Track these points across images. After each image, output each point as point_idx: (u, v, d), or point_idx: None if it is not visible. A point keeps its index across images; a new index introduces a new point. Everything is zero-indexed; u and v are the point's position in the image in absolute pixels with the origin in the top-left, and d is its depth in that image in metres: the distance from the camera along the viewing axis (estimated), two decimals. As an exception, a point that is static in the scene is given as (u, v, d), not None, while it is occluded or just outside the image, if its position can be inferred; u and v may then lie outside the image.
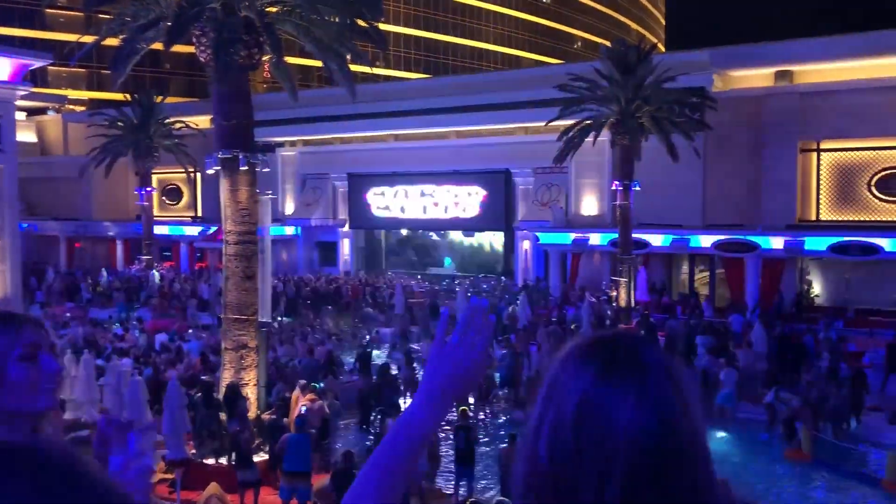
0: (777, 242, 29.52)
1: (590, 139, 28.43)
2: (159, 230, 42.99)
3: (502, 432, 18.23)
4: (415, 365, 21.33)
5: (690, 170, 30.42)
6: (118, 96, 40.95)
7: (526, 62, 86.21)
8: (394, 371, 20.63)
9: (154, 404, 15.71)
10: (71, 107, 60.74)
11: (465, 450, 14.42)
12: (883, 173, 30.22)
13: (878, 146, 30.21)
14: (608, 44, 30.00)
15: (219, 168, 16.31)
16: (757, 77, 32.92)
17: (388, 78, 67.68)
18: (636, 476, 1.07)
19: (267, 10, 16.42)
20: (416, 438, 1.46)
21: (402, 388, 20.10)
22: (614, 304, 29.10)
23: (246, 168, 16.13)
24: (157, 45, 17.19)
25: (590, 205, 36.47)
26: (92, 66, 64.63)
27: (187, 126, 40.75)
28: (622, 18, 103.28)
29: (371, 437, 16.98)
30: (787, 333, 23.77)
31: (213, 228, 38.21)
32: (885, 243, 27.72)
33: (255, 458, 14.01)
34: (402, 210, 42.34)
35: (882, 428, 17.63)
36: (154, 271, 38.72)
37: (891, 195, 30.08)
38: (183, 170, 41.29)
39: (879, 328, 25.53)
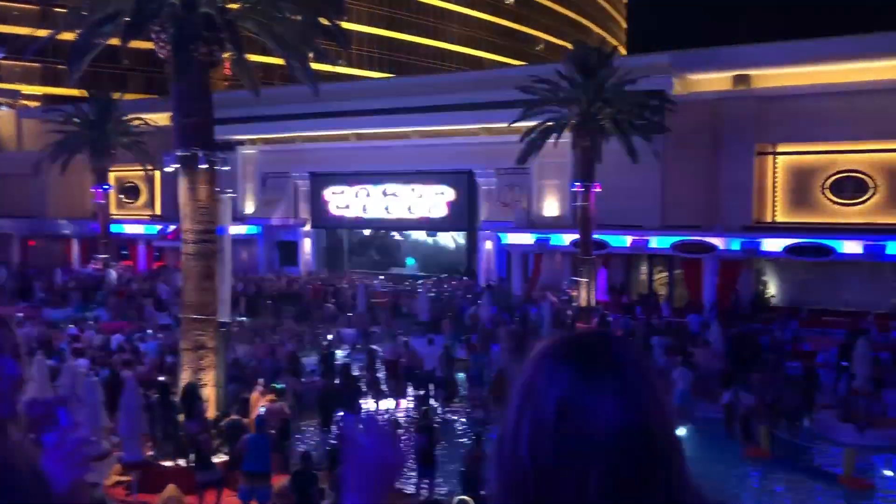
0: (734, 244, 30.05)
1: (552, 141, 28.62)
2: (116, 229, 42.23)
3: (463, 432, 18.28)
4: (377, 366, 21.29)
5: (650, 172, 30.81)
6: (75, 92, 40.22)
7: (488, 63, 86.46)
8: (356, 372, 20.57)
9: (111, 405, 15.44)
10: (25, 102, 59.43)
11: (427, 450, 14.42)
12: (836, 176, 30.93)
13: (832, 150, 30.91)
14: (570, 46, 30.24)
15: (178, 166, 16.08)
16: (715, 81, 33.46)
17: (350, 77, 67.38)
18: (615, 473, 1.08)
19: (228, 6, 16.24)
20: None
21: (364, 389, 20.06)
22: (575, 304, 29.34)
23: (205, 166, 15.93)
24: (115, 41, 16.88)
25: (551, 206, 36.73)
26: (47, 61, 63.16)
27: (146, 123, 40.13)
28: (584, 21, 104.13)
29: (333, 439, 16.89)
30: (744, 333, 24.19)
31: (172, 227, 37.67)
32: (838, 245, 28.38)
33: (215, 459, 13.86)
34: (365, 210, 42.20)
35: (834, 425, 18.05)
36: (111, 270, 38.03)
37: (844, 198, 30.80)
38: (141, 167, 40.63)
39: (832, 328, 26.13)
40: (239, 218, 40.22)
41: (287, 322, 28.89)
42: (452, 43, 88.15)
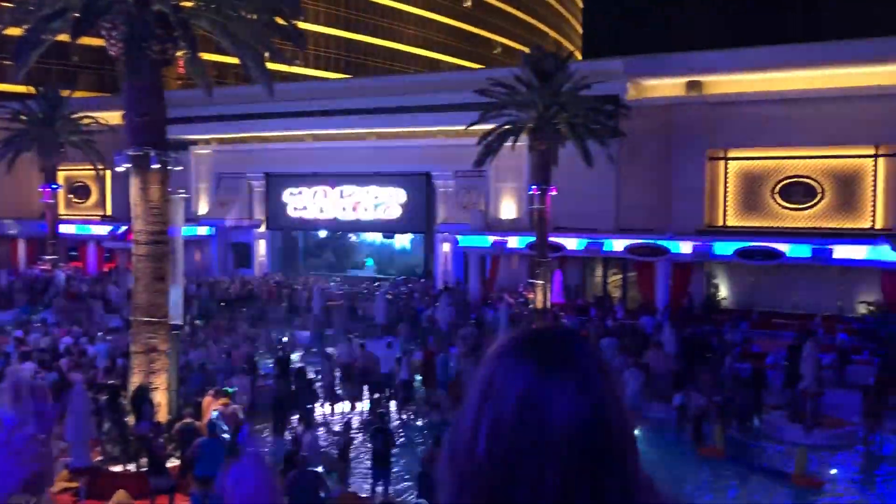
0: (686, 247, 30.55)
1: (509, 144, 28.78)
2: (65, 229, 41.30)
3: (420, 434, 18.26)
4: (333, 370, 21.14)
5: (605, 176, 31.21)
6: (21, 88, 39.17)
7: (446, 66, 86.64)
8: (310, 375, 20.40)
9: (58, 410, 15.05)
10: (-31, 98, 57.68)
11: (382, 452, 14.39)
12: (785, 181, 31.66)
13: (781, 156, 31.63)
14: (527, 50, 30.40)
15: (129, 166, 15.81)
16: (668, 86, 33.99)
17: (307, 77, 66.92)
18: (572, 470, 1.08)
19: (182, 4, 16.00)
20: None
21: (319, 393, 19.91)
22: (531, 306, 29.53)
23: (158, 166, 15.68)
24: (65, 37, 16.51)
25: (508, 208, 36.93)
26: (-7, 57, 61.55)
27: (96, 121, 39.29)
28: (540, 26, 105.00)
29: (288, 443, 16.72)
30: (696, 335, 24.59)
31: (123, 228, 36.96)
32: (787, 248, 29.05)
33: (168, 465, 13.62)
34: (322, 211, 41.94)
35: (782, 425, 18.46)
36: (59, 272, 37.15)
37: (792, 203, 31.54)
38: (91, 167, 39.79)
39: (781, 330, 26.73)
40: (192, 219, 39.66)
41: (241, 325, 28.55)
42: (410, 45, 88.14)
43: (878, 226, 29.99)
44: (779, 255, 29.09)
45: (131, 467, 14.10)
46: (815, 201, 31.21)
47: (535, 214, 29.47)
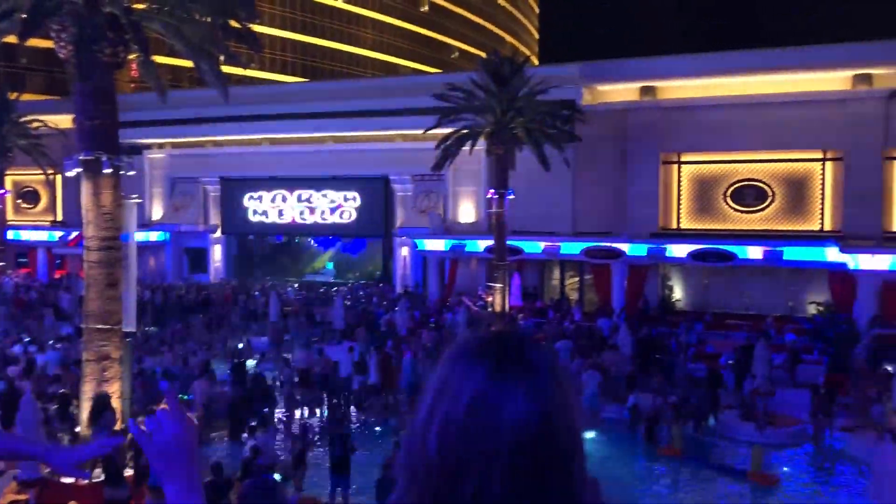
0: (641, 249, 30.97)
1: (466, 148, 28.88)
2: (14, 235, 40.30)
3: (377, 439, 18.20)
4: (291, 375, 20.98)
5: (561, 180, 31.51)
6: (-33, 91, 38.09)
7: (403, 70, 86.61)
8: (268, 381, 20.22)
9: (6, 420, 14.70)
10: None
11: (341, 457, 14.31)
12: (737, 185, 32.28)
13: (732, 159, 32.25)
14: (484, 55, 30.58)
15: (80, 170, 15.50)
16: (623, 91, 34.42)
17: (264, 81, 66.32)
18: (518, 470, 1.10)
19: (133, 6, 15.75)
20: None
21: (277, 398, 19.74)
22: (490, 310, 29.63)
23: (110, 171, 15.40)
24: (12, 38, 16.13)
25: (467, 212, 37.04)
26: (-63, 58, 59.88)
27: (46, 125, 38.41)
28: (497, 31, 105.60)
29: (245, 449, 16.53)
30: (651, 336, 24.93)
31: (74, 234, 36.20)
32: (739, 251, 29.62)
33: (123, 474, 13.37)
34: (280, 215, 41.59)
35: (736, 424, 18.82)
36: (7, 278, 36.23)
37: (744, 206, 32.17)
38: (41, 171, 38.89)
39: (734, 331, 27.24)
40: (146, 224, 39.07)
41: (197, 331, 28.15)
42: (367, 49, 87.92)
43: (827, 228, 30.75)
44: (731, 256, 29.65)
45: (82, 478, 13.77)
46: (765, 204, 31.88)
47: (494, 218, 29.60)
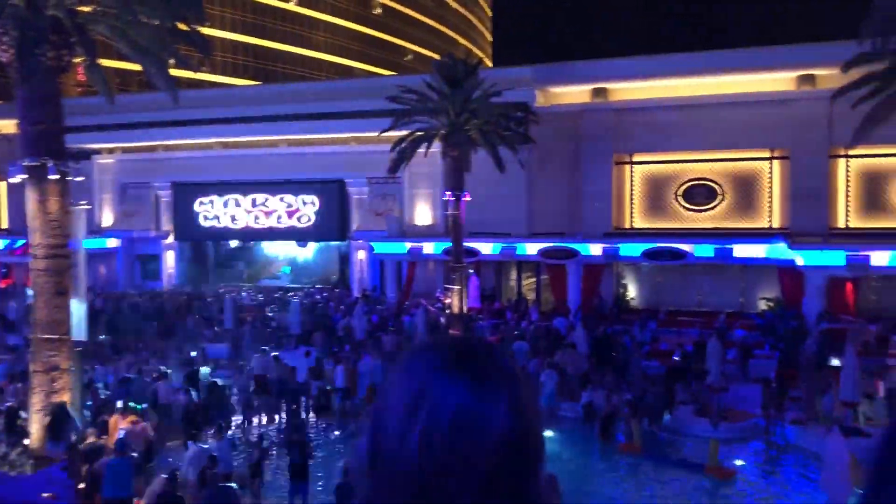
0: (595, 249, 31.31)
1: (422, 150, 28.85)
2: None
3: (336, 444, 18.09)
4: (247, 382, 20.73)
5: (517, 181, 31.70)
6: None
7: (357, 72, 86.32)
8: (225, 388, 19.94)
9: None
10: None
11: (299, 464, 14.19)
12: (688, 184, 32.84)
13: (683, 159, 32.81)
14: (438, 57, 30.60)
15: (25, 177, 15.12)
16: (576, 93, 34.77)
17: (216, 84, 65.51)
18: (496, 474, 1.15)
19: (78, 9, 15.41)
20: None
21: (233, 406, 19.48)
22: (448, 312, 29.66)
23: (56, 177, 15.05)
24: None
25: (423, 214, 37.02)
26: None
27: (-11, 131, 37.41)
28: (451, 33, 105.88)
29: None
30: (607, 334, 25.20)
31: (21, 242, 35.28)
32: (690, 249, 30.11)
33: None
34: (233, 220, 41.08)
35: (691, 420, 19.12)
36: (-49, 289, 35.18)
37: (695, 204, 32.74)
38: (-16, 178, 37.83)
39: (687, 328, 27.68)
40: (95, 231, 38.26)
41: (150, 339, 27.66)
42: (321, 51, 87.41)
43: (776, 225, 31.45)
44: (683, 255, 30.13)
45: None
46: (716, 203, 32.49)
47: (450, 220, 29.61)
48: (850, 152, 29.18)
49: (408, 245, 34.36)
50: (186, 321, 31.39)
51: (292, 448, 14.44)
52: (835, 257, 26.96)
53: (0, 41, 14.59)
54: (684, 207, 32.96)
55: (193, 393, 19.17)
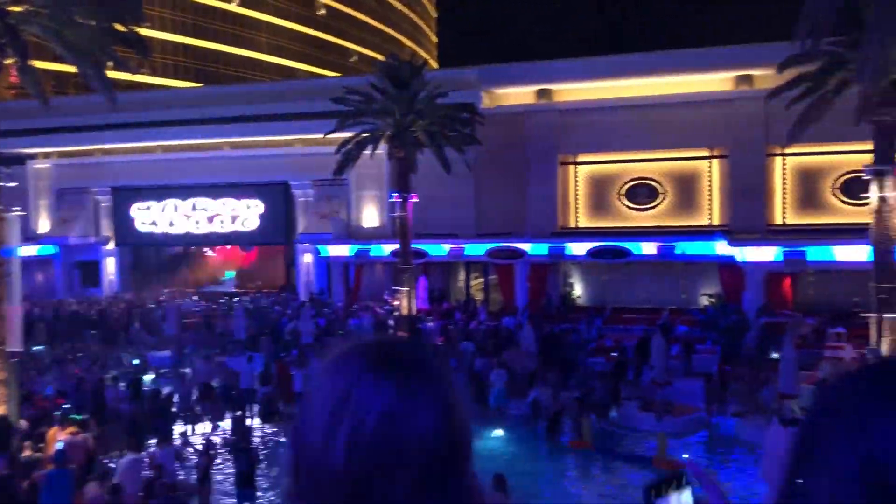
0: (542, 249, 31.61)
1: (367, 152, 28.70)
2: None
3: (282, 451, 17.87)
4: (191, 389, 20.35)
5: (464, 182, 31.79)
6: None
7: (301, 74, 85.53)
8: (168, 396, 19.54)
9: None
10: None
11: (246, 472, 13.99)
12: (630, 184, 33.39)
13: (625, 159, 33.34)
14: (383, 59, 30.52)
15: (-46, 182, 14.62)
16: (520, 95, 35.04)
17: (155, 86, 64.25)
18: (424, 475, 1.13)
19: (9, 9, 14.96)
20: None
21: (177, 414, 19.11)
22: (396, 314, 29.58)
23: (-12, 182, 14.58)
24: None
25: (370, 216, 36.87)
26: None
27: (-84, 135, 36.01)
28: (396, 34, 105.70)
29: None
30: (554, 333, 25.45)
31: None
32: (634, 247, 30.62)
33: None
34: (172, 225, 40.26)
35: (636, 415, 19.44)
36: None
37: (637, 203, 33.30)
38: (-88, 184, 36.40)
39: (632, 324, 28.13)
40: (31, 238, 37.17)
41: (90, 348, 26.97)
42: (263, 53, 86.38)
43: (715, 222, 32.18)
44: (627, 253, 30.62)
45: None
46: (657, 202, 33.09)
47: (398, 222, 29.56)
48: (787, 151, 29.99)
49: (355, 248, 34.18)
50: (128, 328, 30.71)
51: (238, 455, 14.24)
52: (773, 253, 27.72)
53: (-75, 42, 14.10)
54: (627, 207, 33.50)
55: (135, 401, 18.76)
